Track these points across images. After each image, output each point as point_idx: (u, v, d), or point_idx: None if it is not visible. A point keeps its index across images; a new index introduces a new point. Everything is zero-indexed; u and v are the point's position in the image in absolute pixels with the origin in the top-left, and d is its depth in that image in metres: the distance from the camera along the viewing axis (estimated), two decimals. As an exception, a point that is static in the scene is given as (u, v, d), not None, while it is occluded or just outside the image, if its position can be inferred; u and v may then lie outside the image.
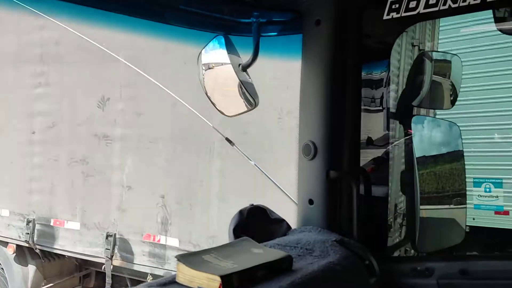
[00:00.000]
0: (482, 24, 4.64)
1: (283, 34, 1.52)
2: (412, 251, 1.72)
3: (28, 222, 5.13)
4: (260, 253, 1.14)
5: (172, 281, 1.02)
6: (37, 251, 5.21)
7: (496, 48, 5.15)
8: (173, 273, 1.05)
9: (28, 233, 5.09)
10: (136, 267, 4.57)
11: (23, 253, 5.36)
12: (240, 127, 3.79)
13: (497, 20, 1.38)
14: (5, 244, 5.40)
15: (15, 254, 5.30)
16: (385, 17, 1.34)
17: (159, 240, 4.45)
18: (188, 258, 1.03)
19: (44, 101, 5.19)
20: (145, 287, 1.00)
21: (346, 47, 1.38)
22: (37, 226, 5.14)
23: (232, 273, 0.98)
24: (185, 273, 1.01)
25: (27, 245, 5.20)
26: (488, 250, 5.00)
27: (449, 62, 1.68)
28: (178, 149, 4.38)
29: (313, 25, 1.38)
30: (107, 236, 4.66)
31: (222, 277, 0.96)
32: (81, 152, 4.93)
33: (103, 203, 4.81)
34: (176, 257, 1.03)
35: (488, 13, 1.37)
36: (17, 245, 5.30)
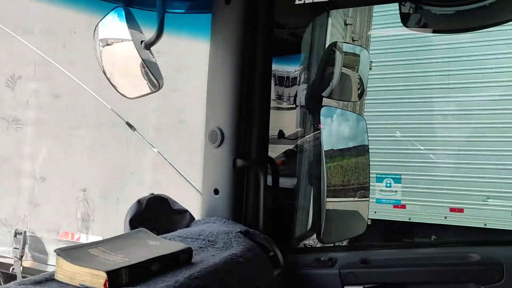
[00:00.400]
0: (389, 27, 4.89)
1: (192, 12, 1.42)
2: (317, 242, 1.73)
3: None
4: (157, 246, 1.04)
5: (50, 278, 0.89)
6: None
7: (404, 52, 5.48)
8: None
9: None
10: (50, 268, 4.12)
11: None
12: (177, 115, 3.55)
13: (403, 15, 1.40)
14: None
15: None
16: (297, 1, 1.31)
17: (78, 239, 4.02)
18: (70, 252, 0.90)
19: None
20: (17, 285, 0.85)
21: (256, 28, 1.32)
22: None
23: (120, 268, 0.87)
24: (65, 269, 0.88)
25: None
26: (387, 240, 5.33)
27: (358, 55, 1.70)
28: (104, 136, 3.92)
29: (222, 4, 1.30)
30: (16, 234, 4.10)
31: (108, 272, 0.85)
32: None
33: (10, 196, 4.24)
34: (55, 251, 0.90)
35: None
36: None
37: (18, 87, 4.23)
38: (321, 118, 1.71)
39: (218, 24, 1.32)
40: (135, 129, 2.75)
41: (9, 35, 4.00)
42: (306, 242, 1.93)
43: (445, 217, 5.60)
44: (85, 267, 0.86)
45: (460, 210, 5.54)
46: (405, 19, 1.41)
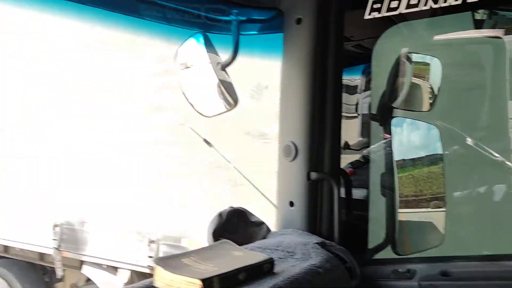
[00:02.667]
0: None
1: (264, 33, 1.49)
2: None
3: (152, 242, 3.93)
4: (241, 256, 1.10)
5: (149, 285, 0.97)
6: None
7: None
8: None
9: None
10: None
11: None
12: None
13: (476, 21, 1.39)
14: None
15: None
16: (366, 16, 1.33)
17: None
18: (167, 261, 0.98)
19: (167, 94, 3.88)
20: None
21: (327, 46, 1.36)
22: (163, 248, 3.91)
23: (213, 276, 0.94)
24: (163, 277, 0.96)
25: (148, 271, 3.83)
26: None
27: (428, 64, 1.69)
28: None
29: (293, 24, 1.36)
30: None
31: (203, 280, 0.92)
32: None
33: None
34: (154, 260, 0.99)
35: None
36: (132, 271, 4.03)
37: (265, 98, 3.68)
38: (392, 128, 1.70)
39: (289, 43, 1.38)
40: (211, 145, 2.84)
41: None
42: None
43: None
44: (181, 275, 0.94)
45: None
46: (478, 25, 1.40)
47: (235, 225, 1.41)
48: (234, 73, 1.42)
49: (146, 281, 0.98)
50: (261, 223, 1.46)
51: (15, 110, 4.73)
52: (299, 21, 1.35)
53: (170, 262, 0.99)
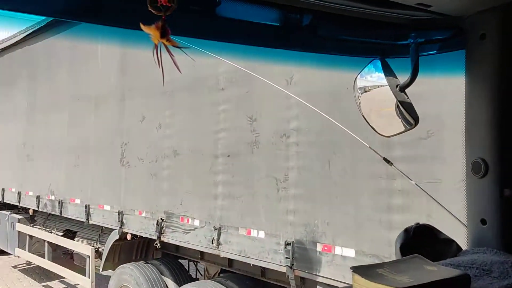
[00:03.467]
0: None
1: (443, 51, 1.50)
2: None
3: None
4: (435, 271, 1.13)
5: None
6: None
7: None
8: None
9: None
10: (319, 279, 4.08)
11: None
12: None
13: None
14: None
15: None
16: None
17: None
18: (363, 270, 1.08)
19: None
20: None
21: None
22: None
23: (410, 286, 1.00)
24: (361, 284, 1.05)
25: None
26: None
27: None
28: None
29: (477, 40, 1.34)
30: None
31: (401, 290, 0.98)
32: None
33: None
34: (351, 268, 1.09)
35: None
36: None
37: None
38: None
39: (473, 59, 1.37)
40: (392, 163, 2.84)
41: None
42: None
43: None
44: (379, 283, 1.02)
45: None
46: None
47: (422, 241, 1.43)
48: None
49: (346, 287, 1.09)
50: (450, 241, 1.45)
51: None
52: (483, 36, 1.33)
53: (366, 271, 1.08)
